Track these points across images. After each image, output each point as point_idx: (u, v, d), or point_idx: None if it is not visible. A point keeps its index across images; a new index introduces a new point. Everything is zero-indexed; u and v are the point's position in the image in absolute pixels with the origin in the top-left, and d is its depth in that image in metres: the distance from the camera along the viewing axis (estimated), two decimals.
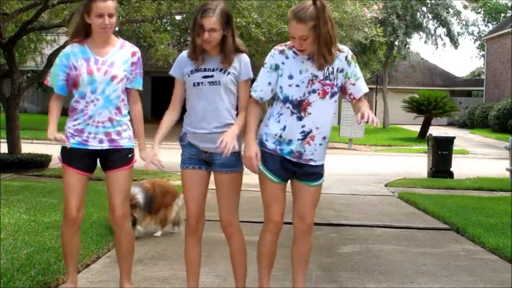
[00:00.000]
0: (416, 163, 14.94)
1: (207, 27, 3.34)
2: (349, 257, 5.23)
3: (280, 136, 3.42)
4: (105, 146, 3.62)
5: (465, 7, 42.26)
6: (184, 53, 3.53)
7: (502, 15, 46.73)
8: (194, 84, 3.47)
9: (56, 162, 12.07)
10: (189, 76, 3.48)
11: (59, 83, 3.65)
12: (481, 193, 9.86)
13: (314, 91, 3.35)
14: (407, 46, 34.24)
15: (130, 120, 3.75)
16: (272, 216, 3.53)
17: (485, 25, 49.66)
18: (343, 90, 3.47)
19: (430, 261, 5.11)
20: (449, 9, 33.88)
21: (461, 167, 13.39)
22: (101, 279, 4.25)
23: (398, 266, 4.95)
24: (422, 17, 33.79)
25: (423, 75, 41.38)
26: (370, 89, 12.88)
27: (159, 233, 5.84)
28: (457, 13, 34.72)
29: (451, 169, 12.26)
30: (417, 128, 25.50)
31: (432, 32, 34.64)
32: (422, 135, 22.81)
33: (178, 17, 22.54)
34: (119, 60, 3.62)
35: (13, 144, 11.15)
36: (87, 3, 3.51)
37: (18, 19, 12.32)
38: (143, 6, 12.23)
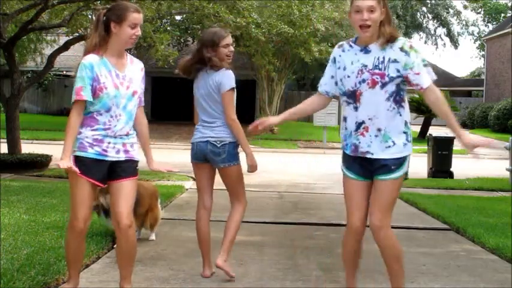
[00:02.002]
0: (416, 163, 14.91)
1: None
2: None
3: (346, 128, 3.47)
4: (122, 157, 3.64)
5: (465, 7, 42.29)
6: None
7: (502, 15, 46.71)
8: None
9: (56, 162, 12.07)
10: None
11: (90, 93, 3.56)
12: (481, 193, 9.86)
13: (364, 81, 3.36)
14: None
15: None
16: (352, 220, 3.50)
17: (485, 25, 49.67)
18: (408, 82, 3.37)
19: (430, 261, 5.11)
20: (449, 9, 33.95)
21: (461, 167, 13.38)
22: (101, 279, 4.25)
23: None
24: (422, 17, 33.85)
25: None
26: None
27: (153, 236, 5.63)
28: (457, 13, 34.79)
29: (451, 169, 12.25)
30: (417, 128, 25.48)
31: (432, 32, 34.72)
32: (422, 135, 22.81)
33: (178, 17, 22.56)
34: (134, 75, 3.66)
35: (13, 145, 11.15)
36: (122, 13, 3.51)
37: (18, 19, 12.32)
38: (143, 6, 12.22)
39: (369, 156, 3.38)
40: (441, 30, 34.99)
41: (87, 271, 4.42)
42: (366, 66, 3.35)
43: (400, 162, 3.40)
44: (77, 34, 15.62)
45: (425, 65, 3.35)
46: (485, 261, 5.19)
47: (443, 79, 41.57)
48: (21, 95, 11.48)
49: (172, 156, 15.88)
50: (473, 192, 10.00)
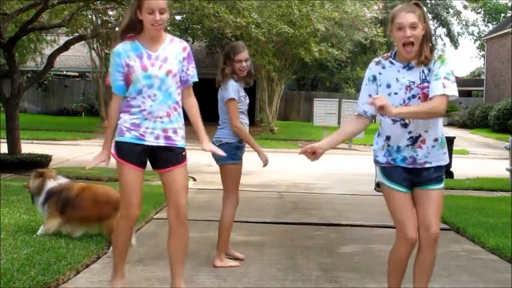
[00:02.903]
0: None
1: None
2: (349, 257, 5.22)
3: (388, 145, 3.42)
4: (161, 142, 3.59)
5: (465, 7, 42.31)
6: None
7: (502, 15, 46.71)
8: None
9: (56, 162, 12.07)
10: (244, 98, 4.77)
11: (117, 83, 3.62)
12: (481, 193, 9.86)
13: (414, 96, 3.34)
14: None
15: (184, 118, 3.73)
16: (408, 232, 3.39)
17: (485, 25, 49.68)
18: None
19: None
20: (449, 9, 33.95)
21: (461, 167, 13.38)
22: (101, 279, 4.25)
23: None
24: None
25: None
26: None
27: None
28: (457, 13, 34.79)
29: (451, 169, 12.25)
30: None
31: (432, 32, 34.70)
32: None
33: (178, 17, 22.56)
34: (171, 54, 3.62)
35: (13, 144, 11.15)
36: (139, 1, 3.53)
37: (18, 19, 12.33)
38: None
39: (427, 166, 3.40)
40: (441, 30, 35.05)
41: (87, 271, 4.42)
42: (413, 82, 3.34)
43: (444, 170, 3.51)
44: (77, 34, 15.67)
45: (447, 78, 3.28)
46: (485, 261, 5.19)
47: None
48: (21, 95, 11.48)
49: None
50: (473, 192, 10.00)
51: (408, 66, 3.37)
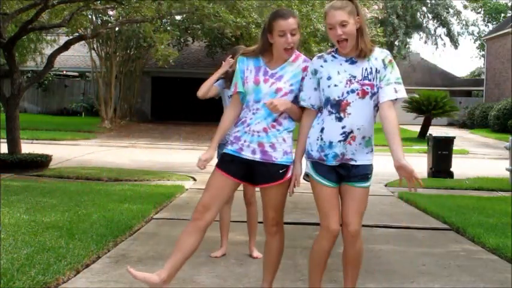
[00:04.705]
0: (416, 163, 14.90)
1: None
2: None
3: (321, 139, 3.43)
4: (257, 157, 3.52)
5: (465, 7, 42.31)
6: None
7: (502, 15, 46.73)
8: None
9: (56, 162, 12.08)
10: None
11: (240, 88, 3.60)
12: (481, 193, 9.86)
13: (353, 91, 3.36)
14: (407, 46, 34.26)
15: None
16: (330, 224, 3.46)
17: (485, 25, 49.69)
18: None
19: (430, 261, 5.11)
20: (449, 9, 33.92)
21: (461, 167, 13.39)
22: (101, 279, 4.25)
23: (398, 266, 4.95)
24: (422, 17, 33.82)
25: (423, 75, 41.37)
26: None
27: None
28: (457, 13, 34.76)
29: (451, 169, 12.25)
30: (417, 128, 25.49)
31: (432, 32, 34.68)
32: (422, 135, 22.81)
33: (178, 17, 22.56)
34: (288, 73, 3.54)
35: (13, 144, 11.16)
36: (269, 22, 3.48)
37: (18, 19, 12.33)
38: (143, 6, 12.23)
39: (352, 163, 3.43)
40: (441, 30, 34.96)
41: (87, 271, 4.42)
42: (354, 77, 3.37)
43: (371, 170, 3.51)
44: (77, 34, 15.64)
45: (398, 83, 3.39)
46: (485, 261, 5.19)
47: (443, 79, 41.63)
48: (21, 95, 11.49)
49: (172, 156, 15.89)
50: (473, 192, 10.00)
51: (351, 60, 3.40)
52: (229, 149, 3.58)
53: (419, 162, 14.43)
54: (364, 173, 3.47)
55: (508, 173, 11.18)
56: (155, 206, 7.12)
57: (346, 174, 3.46)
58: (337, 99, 3.37)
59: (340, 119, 3.38)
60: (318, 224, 3.73)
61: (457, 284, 4.45)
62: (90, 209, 6.63)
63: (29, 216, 5.99)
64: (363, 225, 6.69)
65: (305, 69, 3.54)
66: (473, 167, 14.54)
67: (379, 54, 3.42)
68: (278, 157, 3.52)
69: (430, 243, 5.88)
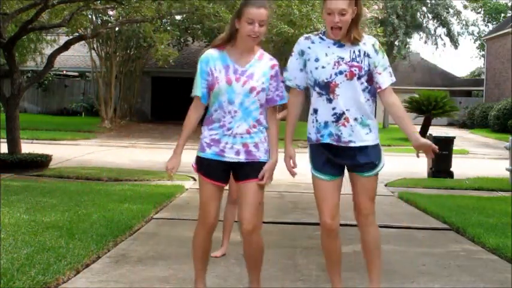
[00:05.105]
0: (416, 163, 14.91)
1: None
2: (349, 257, 5.22)
3: (316, 120, 3.46)
4: (242, 158, 3.49)
5: (465, 7, 42.28)
6: None
7: (502, 15, 46.72)
8: None
9: (56, 162, 12.08)
10: None
11: (202, 90, 3.53)
12: (481, 193, 9.86)
13: (341, 72, 3.39)
14: (407, 46, 34.23)
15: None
16: (322, 217, 3.53)
17: (485, 25, 49.67)
18: (370, 79, 3.47)
19: (430, 261, 5.11)
20: (449, 9, 33.89)
21: (461, 167, 13.38)
22: (101, 279, 4.25)
23: (399, 266, 4.95)
24: (422, 17, 33.79)
25: (423, 75, 41.38)
26: None
27: None
28: (457, 13, 34.73)
29: (451, 169, 12.25)
30: (417, 128, 25.38)
31: (432, 32, 34.65)
32: (423, 135, 22.61)
33: (178, 17, 22.56)
34: (258, 71, 3.50)
35: (13, 144, 11.16)
36: (240, 7, 3.45)
37: (18, 19, 12.33)
38: (143, 6, 12.23)
39: (352, 145, 3.45)
40: (441, 30, 34.93)
41: (87, 271, 4.42)
42: (342, 58, 3.40)
43: (378, 154, 3.54)
44: (77, 34, 15.64)
45: (389, 67, 3.50)
46: (485, 261, 5.19)
47: (443, 79, 41.63)
48: (21, 95, 11.49)
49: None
50: (473, 192, 10.00)
51: (339, 44, 3.43)
52: (208, 153, 3.52)
53: (420, 162, 14.44)
54: (370, 161, 3.49)
55: (508, 173, 11.17)
56: (155, 206, 7.11)
57: (351, 163, 3.49)
58: (325, 80, 3.41)
59: (330, 101, 3.42)
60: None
61: (457, 284, 4.45)
62: (90, 209, 6.63)
63: (29, 216, 5.99)
64: None
65: (272, 67, 3.54)
66: (473, 167, 14.53)
67: (368, 40, 3.47)
68: (262, 156, 3.54)
69: (430, 243, 5.87)
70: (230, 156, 3.49)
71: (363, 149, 3.48)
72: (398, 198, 8.93)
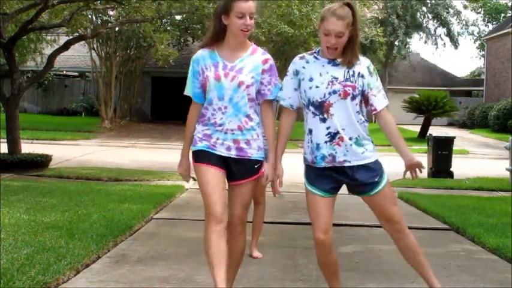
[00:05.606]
0: None
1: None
2: (349, 257, 5.22)
3: (311, 141, 3.46)
4: (233, 154, 3.47)
5: (465, 7, 42.32)
6: None
7: (502, 15, 46.72)
8: None
9: (56, 162, 12.08)
10: None
11: (195, 90, 3.53)
12: (481, 193, 9.86)
13: (335, 92, 3.38)
14: (407, 46, 34.29)
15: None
16: (314, 233, 3.49)
17: (485, 25, 49.68)
18: (365, 100, 3.48)
19: (430, 261, 5.07)
20: (449, 9, 33.93)
21: (461, 167, 13.38)
22: (101, 279, 4.25)
23: (398, 266, 4.94)
24: (422, 17, 33.84)
25: (423, 75, 41.39)
26: None
27: None
28: (457, 13, 34.77)
29: (451, 169, 12.25)
30: (417, 128, 25.48)
31: (432, 32, 34.71)
32: (422, 135, 22.80)
33: (178, 17, 22.56)
34: (248, 66, 3.47)
35: (13, 144, 11.16)
36: (227, 2, 3.39)
37: (18, 19, 12.33)
38: (143, 6, 12.23)
39: (346, 164, 3.42)
40: (441, 30, 35.00)
41: (87, 271, 4.42)
42: (336, 78, 3.39)
43: (379, 171, 3.48)
44: (77, 34, 15.65)
45: (383, 89, 3.52)
46: (485, 261, 5.19)
47: (443, 79, 41.64)
48: (21, 95, 11.49)
49: (172, 156, 15.88)
50: (473, 192, 10.00)
51: (333, 63, 3.43)
52: (200, 145, 3.50)
53: None
54: (371, 179, 3.44)
55: (508, 173, 11.18)
56: (155, 206, 7.11)
57: (350, 182, 3.46)
58: (319, 100, 3.40)
59: (324, 120, 3.41)
60: None
61: (457, 284, 4.45)
62: (90, 209, 6.63)
63: (29, 216, 5.99)
64: (363, 225, 6.73)
65: (265, 61, 3.49)
66: (473, 167, 14.54)
67: (363, 61, 3.47)
68: (253, 153, 3.50)
69: (430, 243, 5.87)
70: (221, 151, 3.48)
71: (360, 168, 3.45)
72: (398, 198, 8.93)
